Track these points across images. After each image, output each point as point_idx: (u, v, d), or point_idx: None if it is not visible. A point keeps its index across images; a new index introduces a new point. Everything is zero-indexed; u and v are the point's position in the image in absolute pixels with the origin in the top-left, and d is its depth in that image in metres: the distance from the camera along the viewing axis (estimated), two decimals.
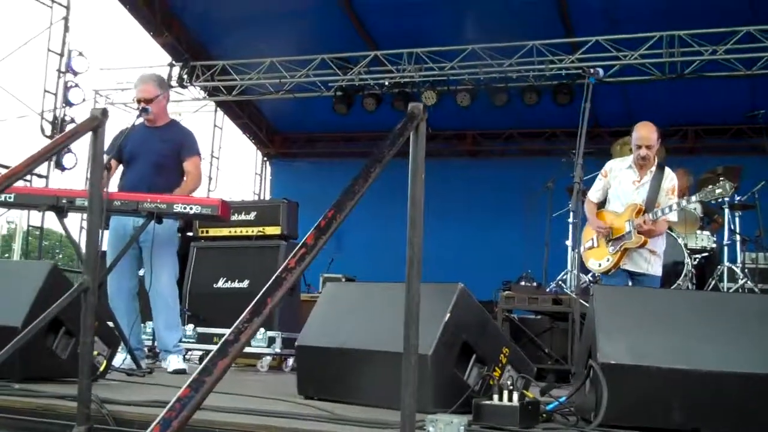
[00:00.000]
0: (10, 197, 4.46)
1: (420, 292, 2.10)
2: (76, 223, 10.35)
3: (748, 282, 6.92)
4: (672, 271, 6.36)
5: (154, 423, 1.07)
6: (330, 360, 3.49)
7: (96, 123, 2.58)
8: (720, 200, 5.29)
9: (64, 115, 10.14)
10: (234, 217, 6.09)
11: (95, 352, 3.61)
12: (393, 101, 10.17)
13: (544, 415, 2.93)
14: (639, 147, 5.13)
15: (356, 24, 10.23)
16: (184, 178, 5.09)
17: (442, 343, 3.10)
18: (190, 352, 6.39)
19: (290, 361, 6.09)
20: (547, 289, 7.12)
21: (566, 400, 3.13)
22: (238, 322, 1.25)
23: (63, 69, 10.11)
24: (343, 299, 3.87)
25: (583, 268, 5.68)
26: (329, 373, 3.49)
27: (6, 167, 9.89)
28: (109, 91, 11.39)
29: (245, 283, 6.14)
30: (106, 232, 4.99)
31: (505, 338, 3.62)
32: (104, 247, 4.96)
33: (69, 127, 9.99)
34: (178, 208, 4.51)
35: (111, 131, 4.96)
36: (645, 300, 3.16)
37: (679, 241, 6.56)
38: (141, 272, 5.21)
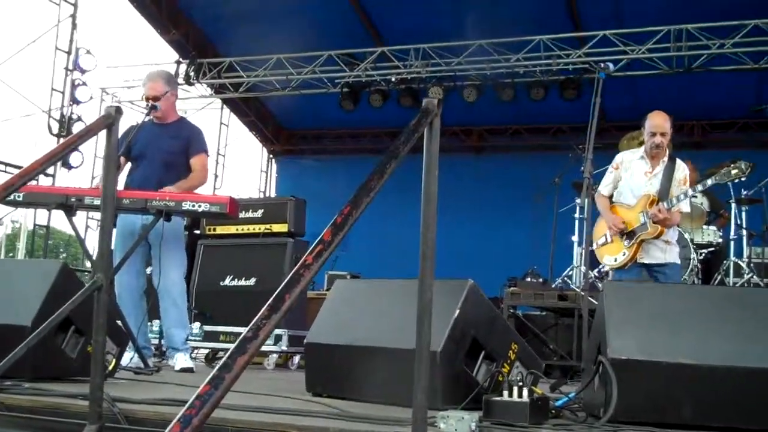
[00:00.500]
0: (19, 196, 4.43)
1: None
2: (80, 222, 10.36)
3: (754, 277, 6.90)
4: None
5: (175, 420, 1.07)
6: (339, 357, 3.49)
7: (110, 121, 2.57)
8: (737, 180, 5.27)
9: (72, 113, 10.17)
10: (241, 215, 6.07)
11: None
12: (399, 97, 10.19)
13: (554, 411, 2.93)
14: (653, 135, 5.11)
15: (363, 19, 10.24)
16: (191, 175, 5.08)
17: (451, 339, 3.10)
18: (196, 350, 6.38)
19: (296, 359, 6.09)
20: (553, 285, 7.11)
21: (576, 396, 3.13)
22: (256, 318, 1.24)
23: (70, 67, 10.15)
24: (353, 296, 3.86)
25: (590, 264, 5.66)
26: (339, 370, 3.48)
27: (12, 166, 9.94)
28: (117, 89, 11.40)
29: (252, 281, 6.14)
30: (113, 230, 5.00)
31: (515, 334, 3.61)
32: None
33: (76, 125, 10.02)
34: (186, 205, 4.50)
35: (119, 129, 4.95)
36: (655, 295, 3.14)
37: (686, 236, 6.55)
38: (148, 270, 5.22)
